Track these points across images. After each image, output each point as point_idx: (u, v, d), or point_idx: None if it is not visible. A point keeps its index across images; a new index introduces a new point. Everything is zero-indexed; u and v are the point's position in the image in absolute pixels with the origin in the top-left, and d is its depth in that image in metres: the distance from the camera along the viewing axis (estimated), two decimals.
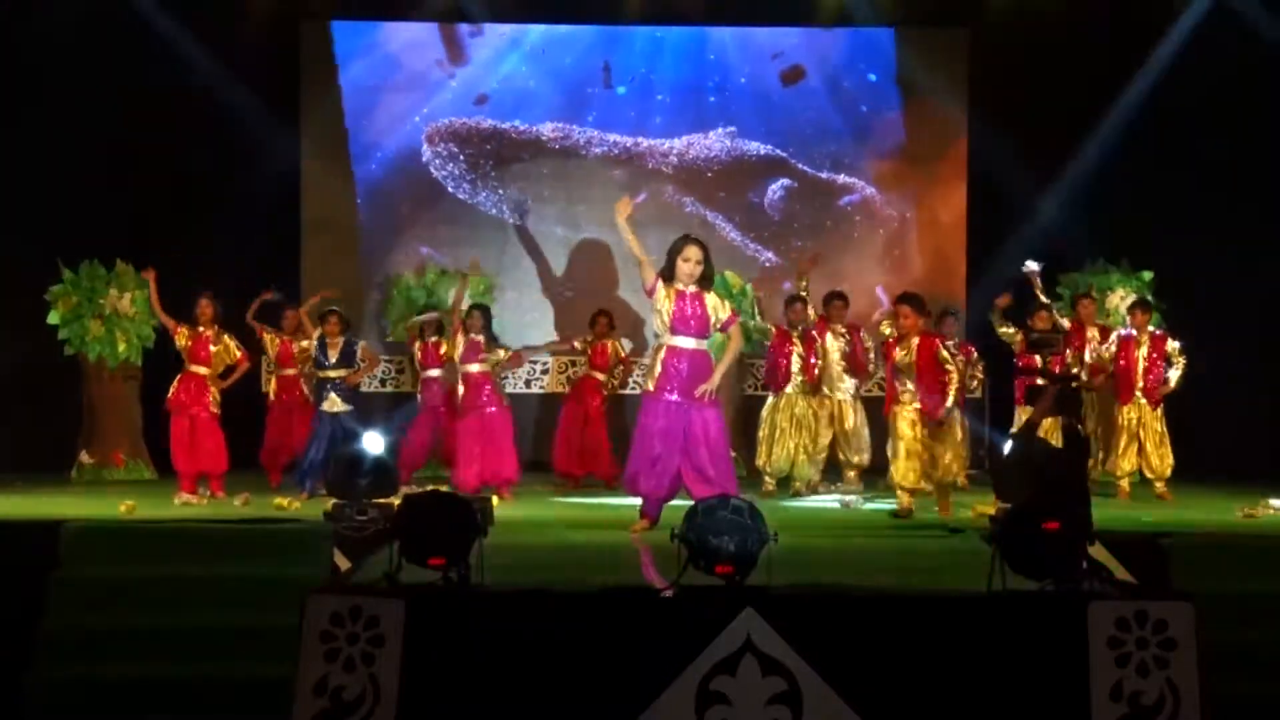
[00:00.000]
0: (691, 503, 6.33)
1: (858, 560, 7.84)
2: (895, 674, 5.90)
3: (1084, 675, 5.93)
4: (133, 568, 7.55)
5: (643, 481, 8.62)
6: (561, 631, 5.90)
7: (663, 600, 6.06)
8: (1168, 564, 7.16)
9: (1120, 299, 13.29)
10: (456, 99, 14.54)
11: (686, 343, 8.56)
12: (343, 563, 7.17)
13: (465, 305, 11.76)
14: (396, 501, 7.01)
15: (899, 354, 9.97)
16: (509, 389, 13.10)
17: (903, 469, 9.87)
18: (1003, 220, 14.06)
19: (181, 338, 11.01)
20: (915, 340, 9.88)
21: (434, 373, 11.85)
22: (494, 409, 11.28)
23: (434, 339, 11.83)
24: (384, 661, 5.89)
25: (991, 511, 7.75)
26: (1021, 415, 11.46)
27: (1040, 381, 10.93)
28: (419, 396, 11.89)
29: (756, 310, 12.17)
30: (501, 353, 11.41)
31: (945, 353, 9.92)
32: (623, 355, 12.46)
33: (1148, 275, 13.65)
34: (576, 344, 12.52)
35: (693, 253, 8.49)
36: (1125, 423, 11.44)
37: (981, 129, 14.29)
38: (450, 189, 14.62)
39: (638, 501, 8.94)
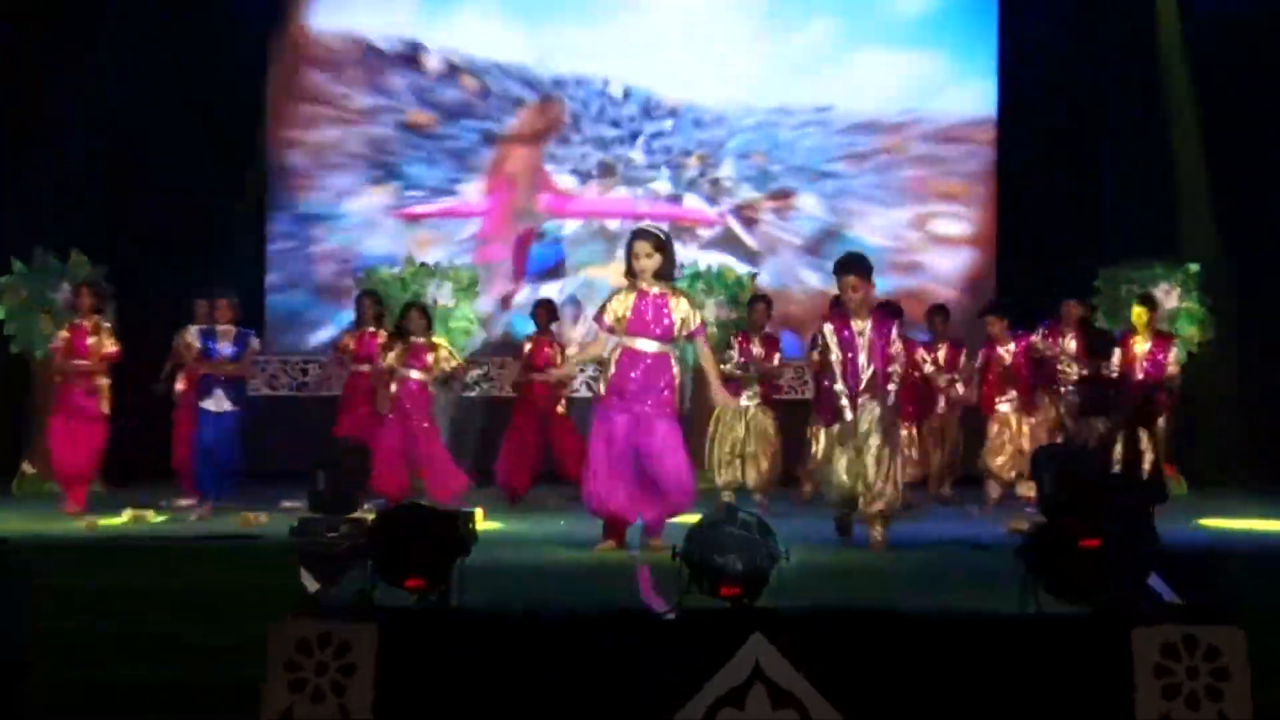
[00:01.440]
0: (697, 518, 6.08)
1: (877, 578, 7.71)
2: (918, 705, 5.75)
3: (1128, 708, 5.79)
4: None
5: (596, 499, 8.34)
6: (550, 660, 5.74)
7: (662, 625, 5.89)
8: (1215, 580, 6.83)
9: (1165, 294, 13.30)
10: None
11: (646, 345, 8.27)
12: (310, 584, 6.96)
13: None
14: (370, 516, 6.89)
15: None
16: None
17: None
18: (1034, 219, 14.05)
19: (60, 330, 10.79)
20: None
21: (365, 367, 11.30)
22: (426, 425, 10.85)
23: (371, 329, 11.30)
24: (355, 691, 5.77)
25: (1024, 526, 7.65)
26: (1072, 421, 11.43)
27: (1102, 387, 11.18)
28: (381, 398, 11.15)
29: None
30: (446, 364, 10.84)
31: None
32: (558, 364, 11.52)
33: (1194, 268, 13.60)
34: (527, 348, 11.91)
35: (641, 247, 8.21)
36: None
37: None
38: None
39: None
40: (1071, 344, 11.72)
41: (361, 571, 6.15)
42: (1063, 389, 11.61)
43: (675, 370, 8.26)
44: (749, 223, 15.12)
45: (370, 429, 10.76)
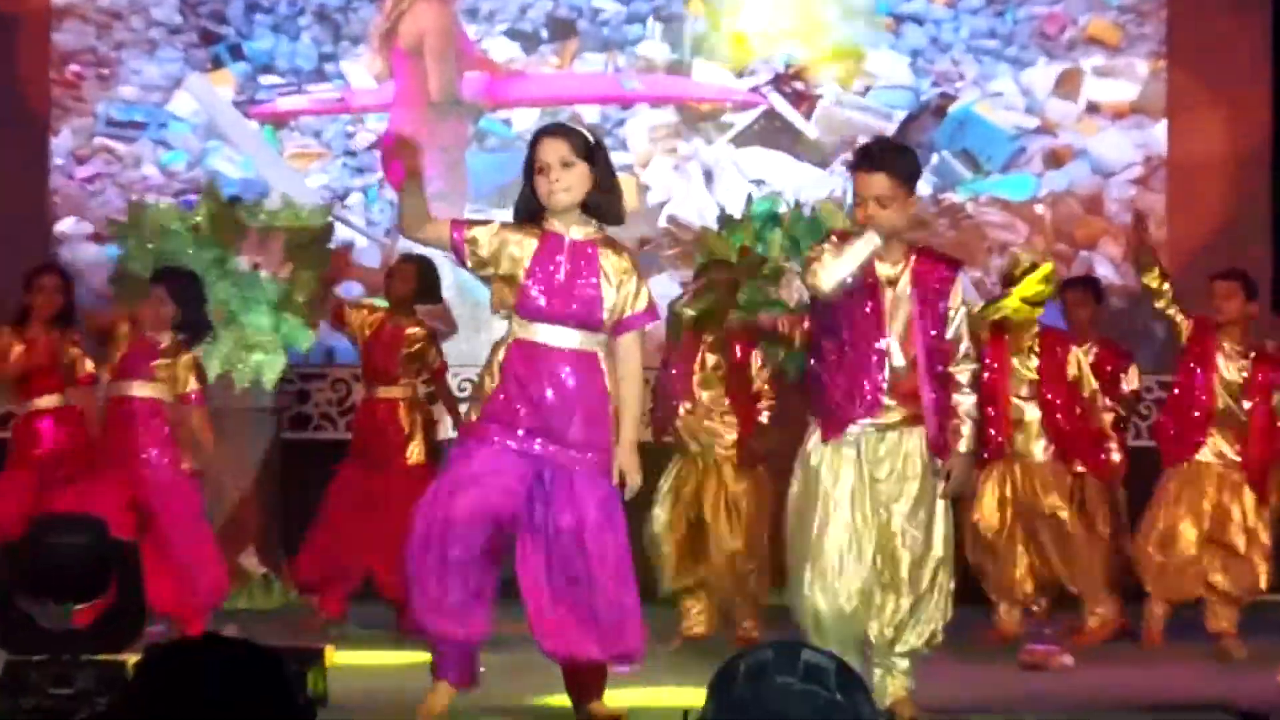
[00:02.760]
0: (731, 659, 3.53)
1: None
2: None
3: None
4: None
5: (428, 607, 5.87)
6: None
7: None
8: None
9: None
10: None
11: (557, 336, 5.83)
12: None
13: None
14: (132, 660, 5.61)
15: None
16: None
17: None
18: None
19: None
20: None
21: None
22: (166, 463, 8.36)
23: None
24: None
25: None
26: None
27: None
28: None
29: None
30: (186, 377, 8.41)
31: None
32: (429, 359, 9.13)
33: None
34: (349, 316, 9.24)
35: (550, 151, 5.77)
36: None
37: None
38: None
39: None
40: None
41: None
42: None
43: (609, 382, 5.88)
44: (802, 100, 12.00)
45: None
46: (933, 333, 5.95)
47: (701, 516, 8.33)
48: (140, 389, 8.41)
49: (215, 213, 10.01)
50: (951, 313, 6.01)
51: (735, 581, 8.36)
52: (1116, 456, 8.77)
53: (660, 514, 8.20)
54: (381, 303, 9.31)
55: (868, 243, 5.69)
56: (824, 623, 5.96)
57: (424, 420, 8.93)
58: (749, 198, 10.08)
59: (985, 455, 8.16)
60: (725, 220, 9.95)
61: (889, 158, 5.97)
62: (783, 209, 10.02)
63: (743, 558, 8.30)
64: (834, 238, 5.94)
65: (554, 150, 5.79)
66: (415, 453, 8.90)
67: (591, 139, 5.86)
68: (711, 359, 8.37)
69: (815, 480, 5.92)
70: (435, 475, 8.00)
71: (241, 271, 9.72)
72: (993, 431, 8.16)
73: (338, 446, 9.59)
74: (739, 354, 8.31)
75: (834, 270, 5.70)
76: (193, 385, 8.39)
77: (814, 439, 5.95)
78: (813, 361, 6.13)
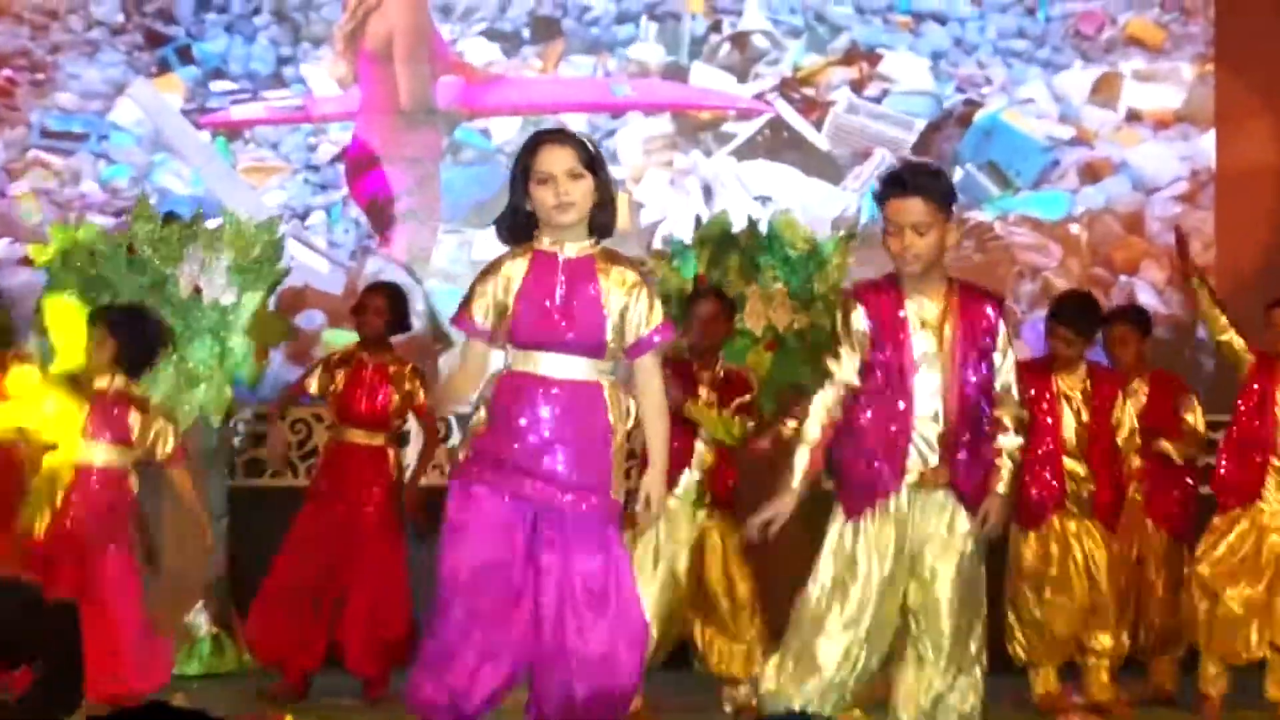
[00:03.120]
0: None
1: None
2: None
3: None
4: None
5: (425, 677, 5.68)
6: None
7: None
8: None
9: None
10: None
11: (556, 366, 5.65)
12: None
13: None
14: None
15: None
16: None
17: None
18: None
19: None
20: None
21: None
22: (114, 549, 8.11)
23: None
24: None
25: None
26: None
27: None
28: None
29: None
30: (158, 439, 8.14)
31: None
32: (418, 399, 8.88)
33: None
34: (312, 387, 9.04)
35: (554, 159, 5.58)
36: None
37: None
38: None
39: None
40: None
41: None
42: None
43: (612, 416, 5.66)
44: (812, 108, 11.88)
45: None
46: (975, 379, 5.85)
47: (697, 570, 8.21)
48: (104, 455, 8.10)
49: (150, 232, 9.66)
50: (999, 356, 5.89)
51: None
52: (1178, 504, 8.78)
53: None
54: (339, 337, 9.41)
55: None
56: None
57: (399, 469, 8.82)
58: (697, 220, 9.60)
59: (1035, 511, 8.17)
60: (676, 247, 9.54)
61: (923, 180, 5.84)
62: (736, 228, 9.60)
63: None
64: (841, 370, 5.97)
65: (560, 160, 5.60)
66: (388, 505, 8.77)
67: (593, 148, 5.73)
68: (706, 392, 8.21)
69: (848, 566, 5.88)
70: (404, 531, 8.69)
71: (181, 297, 9.42)
72: (1047, 480, 8.13)
73: (295, 495, 9.40)
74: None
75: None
76: (172, 444, 8.16)
77: (838, 522, 5.90)
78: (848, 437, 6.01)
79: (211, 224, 9.78)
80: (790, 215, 9.58)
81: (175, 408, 9.14)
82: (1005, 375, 5.89)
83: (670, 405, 5.96)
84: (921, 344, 5.84)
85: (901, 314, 5.81)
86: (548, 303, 5.62)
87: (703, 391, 8.09)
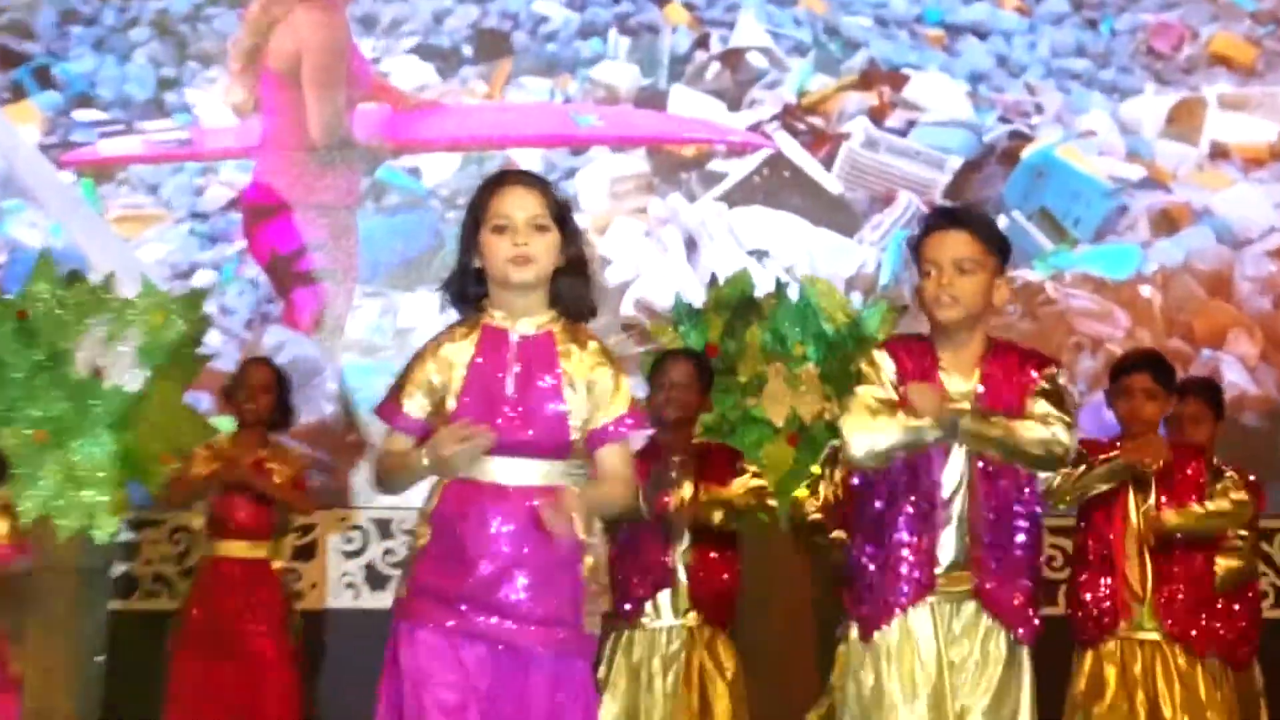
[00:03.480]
0: None
1: None
2: None
3: None
4: None
5: None
6: None
7: None
8: None
9: None
10: None
11: (502, 471, 5.26)
12: None
13: None
14: None
15: None
16: None
17: None
18: None
19: None
20: None
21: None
22: None
23: None
24: None
25: None
26: None
27: None
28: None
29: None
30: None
31: None
32: (300, 478, 8.72)
33: None
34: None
35: (516, 202, 5.18)
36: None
37: None
38: None
39: None
40: None
41: None
42: None
43: (581, 531, 5.25)
44: (821, 142, 11.34)
45: None
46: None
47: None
48: None
49: (50, 296, 9.32)
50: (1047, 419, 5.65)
51: None
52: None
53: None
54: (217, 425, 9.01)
55: (931, 427, 5.47)
56: None
57: (288, 588, 8.69)
58: (712, 278, 9.13)
59: (1087, 635, 7.64)
60: (682, 310, 9.07)
61: (975, 216, 5.79)
62: (760, 292, 9.25)
63: None
64: (875, 389, 5.70)
65: (522, 203, 5.26)
66: (281, 637, 8.44)
67: (561, 198, 5.44)
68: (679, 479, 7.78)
69: (875, 703, 5.66)
70: (298, 666, 8.65)
71: (79, 378, 8.98)
72: (1106, 601, 7.50)
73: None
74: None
75: (869, 439, 5.57)
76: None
77: (852, 640, 5.69)
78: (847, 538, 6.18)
79: (125, 292, 9.44)
80: (827, 282, 9.24)
81: (52, 512, 8.85)
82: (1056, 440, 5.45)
83: (647, 511, 6.31)
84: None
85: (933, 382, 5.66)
86: (499, 395, 5.26)
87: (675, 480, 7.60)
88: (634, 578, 7.50)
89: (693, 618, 7.49)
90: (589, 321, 5.35)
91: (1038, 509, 5.62)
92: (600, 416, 5.22)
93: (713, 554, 7.54)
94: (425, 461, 5.35)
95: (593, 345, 5.26)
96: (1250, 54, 11.03)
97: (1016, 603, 5.50)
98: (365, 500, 10.30)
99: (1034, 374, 5.53)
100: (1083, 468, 7.24)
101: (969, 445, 5.53)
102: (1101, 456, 7.33)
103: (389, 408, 5.30)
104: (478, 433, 5.29)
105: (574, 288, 5.24)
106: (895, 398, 5.58)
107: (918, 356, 5.57)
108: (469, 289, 5.25)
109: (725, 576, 7.53)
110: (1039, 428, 5.53)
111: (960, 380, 5.52)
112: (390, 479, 5.44)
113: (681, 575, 7.51)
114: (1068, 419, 5.56)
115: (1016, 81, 11.10)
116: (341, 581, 10.09)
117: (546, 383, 5.23)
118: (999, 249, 5.55)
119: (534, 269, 5.10)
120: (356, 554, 9.74)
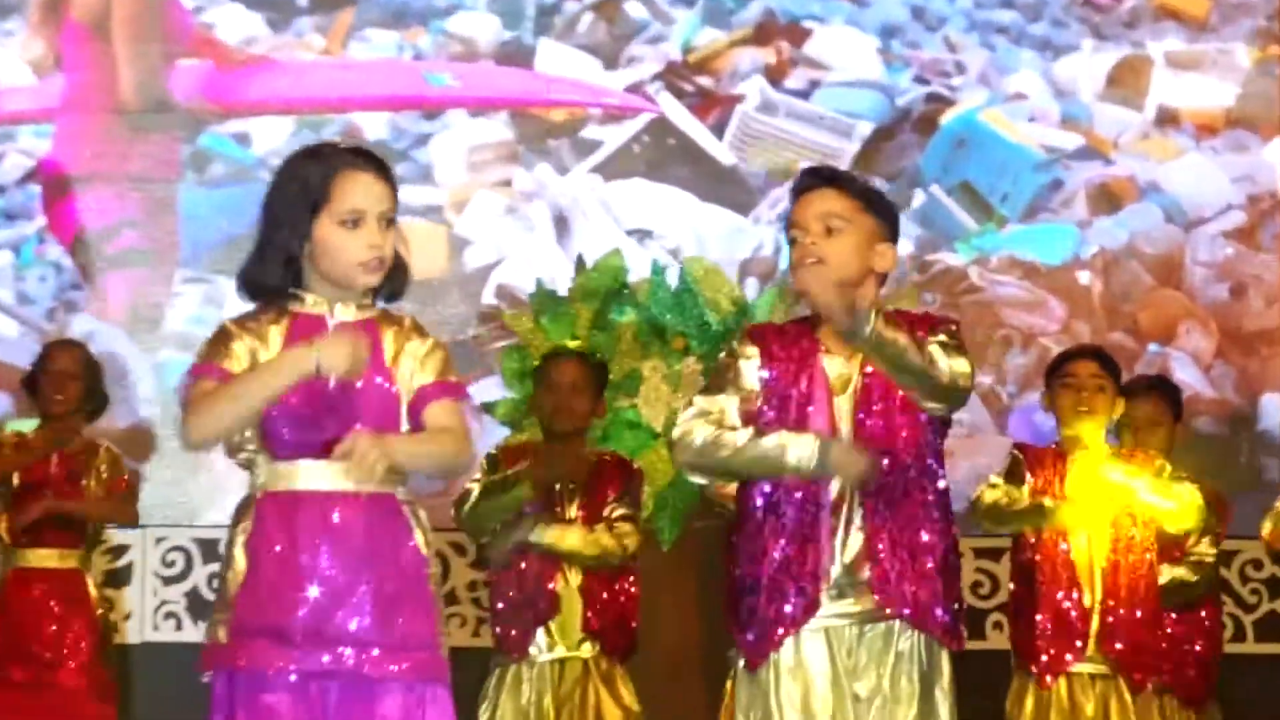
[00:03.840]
0: None
1: None
2: None
3: None
4: None
5: None
6: None
7: None
8: None
9: None
10: None
11: (325, 476, 4.83)
12: None
13: None
14: None
15: None
16: None
17: None
18: None
19: None
20: None
21: None
22: None
23: None
24: None
25: None
26: None
27: None
28: None
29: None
30: None
31: None
32: (118, 481, 8.21)
33: None
34: None
35: (371, 193, 4.90)
36: None
37: None
38: None
39: None
40: None
41: None
42: None
43: (419, 538, 4.94)
44: (710, 105, 10.83)
45: None
46: (906, 435, 5.29)
47: None
48: None
49: None
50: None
51: None
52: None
53: None
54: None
55: (798, 449, 5.09)
56: None
57: (104, 608, 8.19)
58: (579, 262, 8.76)
59: (1031, 665, 7.44)
60: (544, 299, 8.75)
61: (843, 173, 5.51)
62: (633, 276, 8.84)
63: None
64: (713, 400, 5.40)
65: (377, 195, 4.96)
66: (93, 660, 8.03)
67: (381, 166, 5.19)
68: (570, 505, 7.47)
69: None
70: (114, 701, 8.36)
71: None
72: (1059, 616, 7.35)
73: None
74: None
75: (710, 461, 5.23)
76: None
77: (739, 672, 5.40)
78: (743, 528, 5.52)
79: None
80: (709, 263, 8.81)
81: None
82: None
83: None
84: (830, 414, 5.35)
85: (801, 373, 5.31)
86: (319, 390, 4.86)
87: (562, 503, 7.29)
88: (519, 603, 7.16)
89: (588, 649, 7.15)
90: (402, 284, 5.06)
91: (949, 516, 5.25)
92: (419, 381, 4.92)
93: (608, 573, 7.28)
94: (314, 356, 4.81)
95: (409, 322, 4.98)
96: (1203, 6, 10.50)
97: (925, 597, 5.18)
98: (188, 517, 9.68)
99: (927, 336, 5.28)
100: (1020, 498, 6.97)
101: (871, 352, 5.15)
102: (1030, 502, 7.06)
103: (209, 365, 4.76)
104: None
105: (397, 281, 5.00)
106: (740, 403, 5.27)
107: (791, 340, 5.17)
108: (272, 278, 4.84)
109: (623, 600, 7.22)
110: (941, 355, 5.25)
111: (842, 363, 5.20)
112: (220, 408, 4.81)
113: (575, 599, 7.20)
114: (968, 359, 5.26)
115: (934, 36, 10.57)
116: (160, 612, 9.45)
117: (375, 374, 4.86)
118: (877, 210, 5.18)
119: (382, 270, 4.90)
120: (178, 579, 9.30)
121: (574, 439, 7.27)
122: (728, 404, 5.24)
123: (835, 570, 5.13)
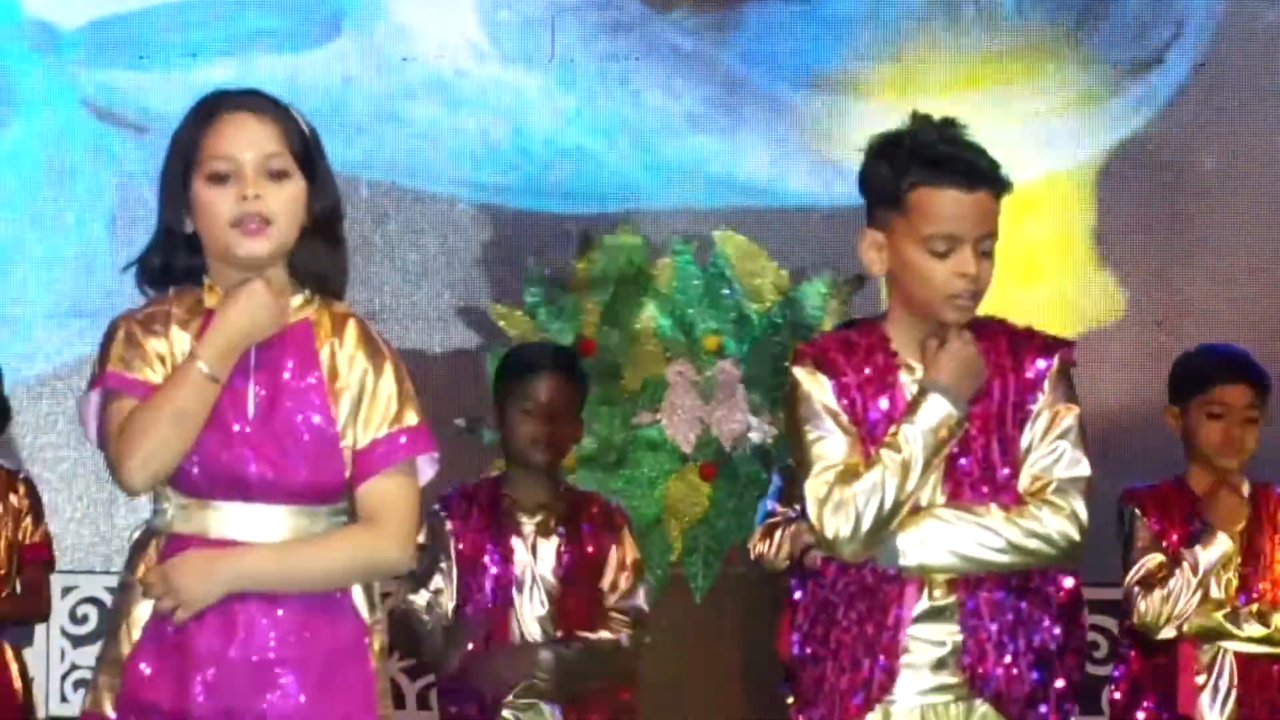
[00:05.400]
0: None
1: None
2: None
3: None
4: None
5: None
6: None
7: None
8: None
9: None
10: None
11: (242, 522, 4.62)
12: None
13: None
14: None
15: None
16: None
17: None
18: None
19: None
20: None
21: None
22: None
23: None
24: None
25: None
26: None
27: None
28: None
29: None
30: None
31: None
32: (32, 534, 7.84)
33: None
34: None
35: (241, 137, 4.65)
36: None
37: None
38: None
39: None
40: None
41: None
42: None
43: (362, 605, 4.75)
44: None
45: None
46: (1006, 473, 4.97)
47: None
48: None
49: None
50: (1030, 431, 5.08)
51: None
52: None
53: None
54: None
55: (929, 414, 4.91)
56: None
57: (22, 666, 7.80)
58: (584, 238, 8.78)
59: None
60: (538, 286, 8.66)
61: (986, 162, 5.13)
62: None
63: None
64: (830, 449, 5.03)
65: (250, 138, 4.66)
66: None
67: (309, 129, 4.78)
68: (546, 549, 7.00)
69: None
70: None
71: None
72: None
73: None
74: (589, 544, 6.91)
75: (886, 518, 4.89)
76: None
77: None
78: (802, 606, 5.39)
79: None
80: (743, 239, 8.42)
81: None
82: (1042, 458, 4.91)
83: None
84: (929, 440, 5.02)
85: (891, 393, 4.98)
86: (235, 413, 4.59)
87: (532, 548, 6.80)
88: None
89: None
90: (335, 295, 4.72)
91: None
92: (362, 433, 4.54)
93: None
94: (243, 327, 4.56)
95: (351, 330, 4.64)
96: None
97: (1027, 692, 4.95)
98: (103, 563, 8.92)
99: (1040, 364, 4.96)
100: (1175, 580, 6.51)
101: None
102: (1202, 596, 6.61)
103: (113, 372, 4.53)
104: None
105: (321, 257, 4.62)
106: (851, 439, 4.92)
107: (862, 357, 4.88)
108: (179, 262, 4.54)
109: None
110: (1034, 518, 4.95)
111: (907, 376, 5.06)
112: (160, 433, 4.48)
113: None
114: (1082, 480, 4.88)
115: None
116: (69, 679, 8.91)
117: (305, 395, 4.60)
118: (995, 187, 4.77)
119: (271, 237, 4.51)
120: (91, 639, 8.62)
121: (549, 473, 6.68)
122: (846, 444, 4.88)
123: (919, 648, 5.02)
